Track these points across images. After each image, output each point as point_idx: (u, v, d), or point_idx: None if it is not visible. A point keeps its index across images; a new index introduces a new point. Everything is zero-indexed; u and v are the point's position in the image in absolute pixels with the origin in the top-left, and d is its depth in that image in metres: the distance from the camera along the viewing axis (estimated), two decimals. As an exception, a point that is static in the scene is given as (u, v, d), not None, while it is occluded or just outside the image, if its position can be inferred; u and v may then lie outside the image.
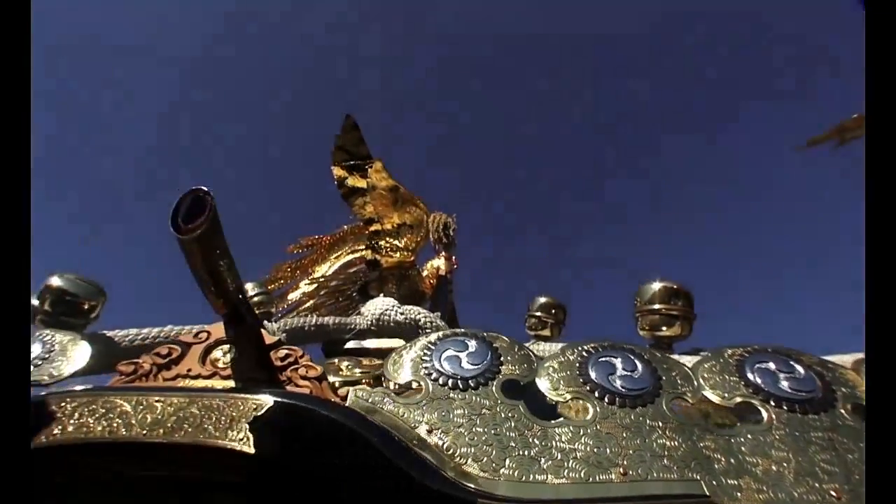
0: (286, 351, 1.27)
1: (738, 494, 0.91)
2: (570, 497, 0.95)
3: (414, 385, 1.21)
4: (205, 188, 1.10)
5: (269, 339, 1.29)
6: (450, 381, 1.18)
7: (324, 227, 4.08)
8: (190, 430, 0.97)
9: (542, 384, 1.19)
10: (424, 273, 3.90)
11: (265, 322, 3.05)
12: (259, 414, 0.98)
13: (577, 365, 1.21)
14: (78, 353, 1.34)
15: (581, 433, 1.05)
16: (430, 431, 1.07)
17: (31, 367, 1.31)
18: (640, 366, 1.18)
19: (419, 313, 3.14)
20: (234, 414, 0.98)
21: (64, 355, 1.34)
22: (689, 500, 0.90)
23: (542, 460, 1.01)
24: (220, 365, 1.24)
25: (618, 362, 1.20)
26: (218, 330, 1.31)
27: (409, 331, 3.04)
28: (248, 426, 0.97)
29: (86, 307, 2.17)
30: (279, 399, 1.01)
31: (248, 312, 1.32)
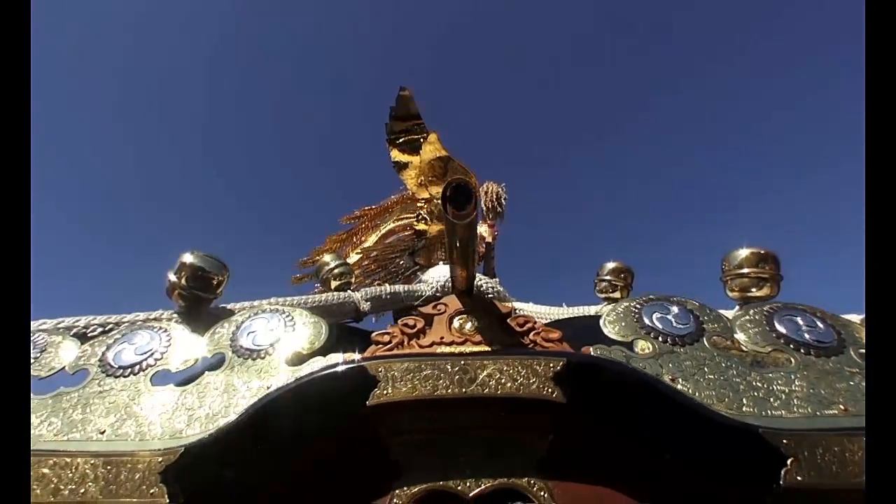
0: (523, 318, 1.45)
1: None
2: (806, 428, 1.19)
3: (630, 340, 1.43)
4: (467, 179, 1.26)
5: (504, 308, 1.47)
6: (668, 339, 1.40)
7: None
8: (508, 384, 1.16)
9: (741, 337, 1.43)
10: (471, 240, 4.06)
11: (349, 291, 3.19)
12: (559, 370, 1.18)
13: (765, 322, 1.45)
14: (320, 332, 1.48)
15: (793, 377, 1.30)
16: (673, 380, 1.29)
17: (269, 347, 1.44)
18: (818, 322, 1.44)
19: (480, 279, 3.33)
20: (539, 370, 1.17)
21: (302, 332, 1.48)
22: None
23: (772, 399, 1.25)
24: (467, 332, 1.41)
25: (799, 319, 1.45)
26: (453, 302, 1.48)
27: None
28: (552, 380, 1.17)
29: (215, 282, 2.27)
30: (573, 358, 1.21)
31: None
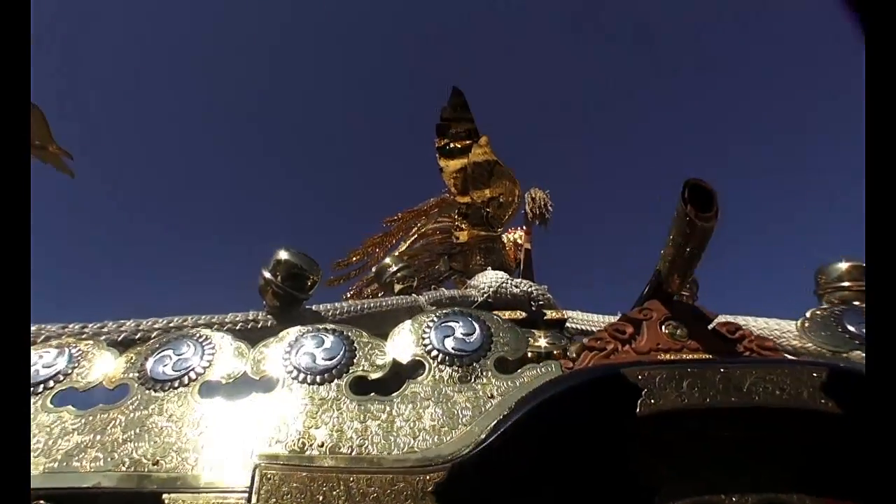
0: (733, 325, 1.41)
1: None
2: None
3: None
4: (705, 180, 1.23)
5: (708, 315, 1.43)
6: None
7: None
8: (776, 392, 1.11)
9: None
10: (507, 246, 4.06)
11: (414, 295, 3.09)
12: (824, 380, 1.14)
13: None
14: (518, 337, 1.40)
15: None
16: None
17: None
18: None
19: (530, 286, 3.32)
20: (804, 379, 1.13)
21: (503, 337, 1.40)
22: None
23: None
24: (679, 337, 1.36)
25: None
26: (658, 307, 1.42)
27: (523, 303, 3.22)
28: (821, 390, 1.13)
29: (309, 282, 2.16)
30: (834, 366, 1.18)
31: None
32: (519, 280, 3.35)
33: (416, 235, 4.15)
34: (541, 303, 3.24)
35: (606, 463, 1.14)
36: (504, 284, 3.23)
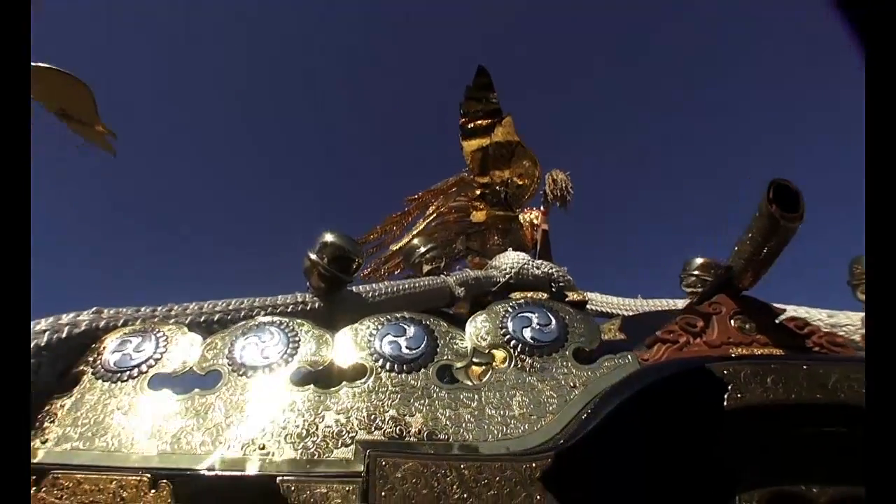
0: (802, 321, 1.45)
1: None
2: None
3: None
4: (788, 180, 1.25)
5: (775, 309, 1.47)
6: None
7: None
8: (862, 391, 1.15)
9: None
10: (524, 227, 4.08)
11: (444, 276, 3.11)
12: None
13: None
14: (590, 327, 1.43)
15: None
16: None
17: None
18: None
19: (551, 267, 3.36)
20: None
21: (578, 328, 1.42)
22: None
23: None
24: (748, 331, 1.40)
25: None
26: (726, 301, 1.45)
27: (544, 284, 3.26)
28: None
29: (354, 265, 2.18)
30: None
31: None
32: (540, 262, 3.38)
33: (433, 214, 4.14)
34: (562, 284, 3.28)
35: (690, 452, 1.18)
36: (525, 266, 3.25)
